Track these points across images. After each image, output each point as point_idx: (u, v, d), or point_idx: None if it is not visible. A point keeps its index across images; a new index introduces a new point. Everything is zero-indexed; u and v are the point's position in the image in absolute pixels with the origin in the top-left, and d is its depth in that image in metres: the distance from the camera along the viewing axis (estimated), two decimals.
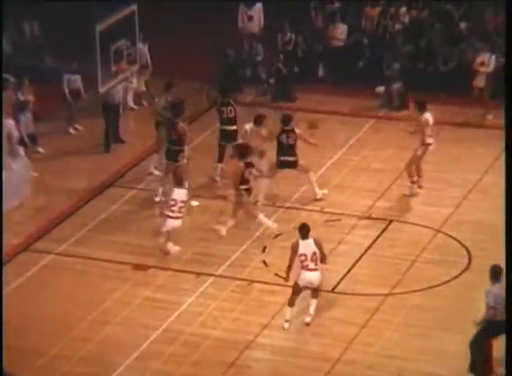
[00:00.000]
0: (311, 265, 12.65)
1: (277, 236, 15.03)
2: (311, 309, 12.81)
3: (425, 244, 14.74)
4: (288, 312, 12.81)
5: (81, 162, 17.49)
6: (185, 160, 15.46)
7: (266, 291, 13.64)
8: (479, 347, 11.45)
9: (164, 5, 21.55)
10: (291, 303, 12.82)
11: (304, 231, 12.79)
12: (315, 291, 12.86)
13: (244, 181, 14.62)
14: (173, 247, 14.44)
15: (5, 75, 15.92)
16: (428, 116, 15.94)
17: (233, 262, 14.34)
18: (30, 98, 17.70)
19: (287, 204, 16.01)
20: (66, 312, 13.22)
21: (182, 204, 14.22)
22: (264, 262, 14.39)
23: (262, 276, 13.99)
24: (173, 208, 14.15)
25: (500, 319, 11.09)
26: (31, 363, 12.13)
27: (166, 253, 14.40)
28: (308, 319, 12.78)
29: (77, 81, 18.44)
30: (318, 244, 12.80)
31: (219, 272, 14.11)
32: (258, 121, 16.17)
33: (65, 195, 16.24)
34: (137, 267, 14.24)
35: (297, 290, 12.79)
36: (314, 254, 12.68)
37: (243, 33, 21.13)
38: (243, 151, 14.84)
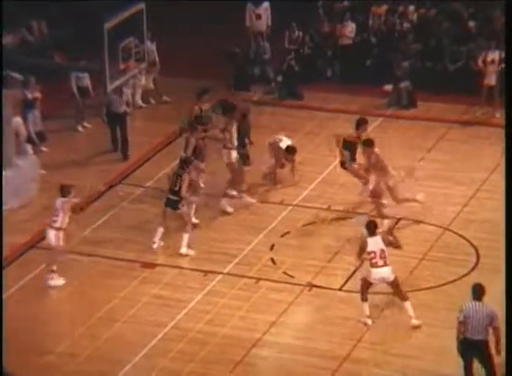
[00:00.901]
0: (380, 262, 12.56)
1: (285, 234, 15.02)
2: (410, 311, 12.60)
3: (433, 242, 14.70)
4: (366, 307, 12.70)
5: (89, 160, 17.47)
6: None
7: (274, 289, 13.61)
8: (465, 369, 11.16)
9: (172, 4, 21.55)
10: (365, 298, 12.74)
11: (371, 228, 12.65)
12: (399, 293, 12.66)
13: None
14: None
15: (12, 73, 15.92)
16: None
17: (241, 259, 14.33)
18: (38, 96, 17.71)
19: (295, 202, 15.99)
20: (73, 310, 13.23)
21: None
22: (272, 259, 14.37)
23: (270, 274, 13.97)
24: None
25: (470, 337, 10.87)
26: (38, 361, 12.13)
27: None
28: (414, 321, 12.55)
29: (85, 78, 18.44)
30: (385, 239, 12.74)
31: (227, 270, 14.09)
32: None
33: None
34: (145, 265, 14.23)
35: (366, 285, 12.67)
36: (382, 251, 12.59)
37: (250, 31, 21.11)
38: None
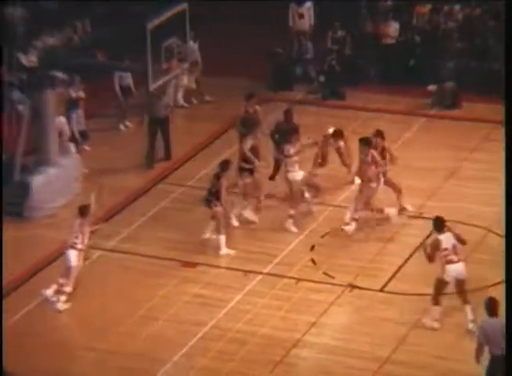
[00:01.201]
0: (455, 258, 12.48)
1: (325, 234, 14.96)
2: (470, 315, 12.48)
3: (476, 243, 14.52)
4: (436, 311, 12.60)
5: (131, 159, 17.55)
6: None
7: (314, 290, 13.57)
8: None
9: (215, 4, 21.59)
10: (437, 302, 12.62)
11: (439, 224, 12.51)
12: (463, 294, 12.55)
13: None
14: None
15: (55, 73, 16.08)
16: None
17: (281, 260, 14.30)
18: (82, 95, 17.85)
19: (336, 203, 15.91)
20: (114, 308, 13.31)
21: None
22: (312, 260, 14.32)
23: (310, 275, 13.93)
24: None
25: (496, 354, 10.69)
26: (81, 358, 12.23)
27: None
28: (470, 325, 12.43)
29: (127, 78, 18.54)
30: (454, 233, 12.62)
31: (267, 270, 14.08)
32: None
33: (114, 192, 16.34)
34: (185, 264, 14.27)
35: (441, 286, 12.57)
36: (454, 246, 12.52)
37: (293, 31, 21.07)
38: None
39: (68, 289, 13.30)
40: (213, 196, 14.34)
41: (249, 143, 15.38)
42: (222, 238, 14.36)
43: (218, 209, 14.35)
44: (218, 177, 14.37)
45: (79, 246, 13.41)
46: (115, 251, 14.62)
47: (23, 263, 14.27)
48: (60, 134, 16.65)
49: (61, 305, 13.25)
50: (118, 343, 12.55)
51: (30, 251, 14.68)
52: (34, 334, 12.72)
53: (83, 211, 13.53)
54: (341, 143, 16.40)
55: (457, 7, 20.82)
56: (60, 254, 14.54)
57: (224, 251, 14.37)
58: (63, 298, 13.26)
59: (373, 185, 14.82)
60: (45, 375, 12.00)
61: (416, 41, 20.69)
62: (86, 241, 13.49)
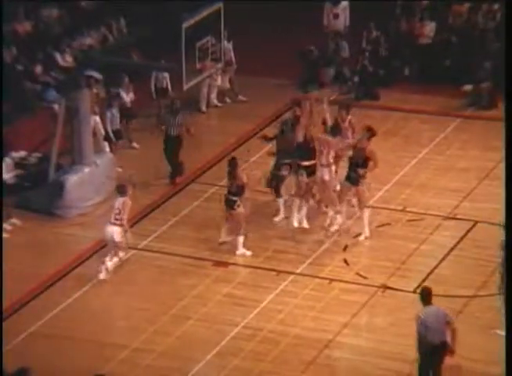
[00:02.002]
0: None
1: (358, 234, 14.89)
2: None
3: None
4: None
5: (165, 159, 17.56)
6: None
7: (347, 290, 13.52)
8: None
9: (250, 4, 21.59)
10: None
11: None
12: None
13: None
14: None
15: (90, 72, 16.19)
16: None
17: (314, 260, 14.26)
18: (132, 96, 17.90)
19: (369, 203, 15.82)
20: (147, 307, 13.35)
21: None
22: (345, 260, 14.26)
23: (343, 275, 13.88)
24: None
25: (432, 342, 10.87)
26: (114, 357, 12.27)
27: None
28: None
29: (165, 78, 18.52)
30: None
31: (300, 270, 14.05)
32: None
33: (148, 191, 16.40)
34: (217, 264, 14.28)
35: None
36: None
37: (327, 31, 21.00)
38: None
39: (115, 261, 13.88)
40: (234, 195, 14.28)
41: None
42: (241, 239, 14.31)
43: (240, 210, 14.29)
44: (233, 176, 14.29)
45: (120, 222, 13.81)
46: (147, 250, 14.66)
47: (56, 262, 14.36)
48: (94, 133, 16.75)
49: (104, 275, 13.79)
50: (150, 342, 12.59)
51: (63, 250, 14.78)
52: (66, 333, 12.80)
53: (121, 189, 14.03)
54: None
55: (496, 6, 20.60)
56: (93, 252, 14.65)
57: (241, 251, 14.32)
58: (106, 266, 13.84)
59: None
60: (77, 374, 12.06)
61: (453, 40, 20.52)
62: (126, 218, 13.91)
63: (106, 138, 17.26)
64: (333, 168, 14.72)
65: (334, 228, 14.66)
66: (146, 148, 17.97)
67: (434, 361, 11.10)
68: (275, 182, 15.28)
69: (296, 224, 14.79)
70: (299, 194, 14.81)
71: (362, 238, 14.64)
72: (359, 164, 14.43)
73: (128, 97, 17.94)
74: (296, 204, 14.80)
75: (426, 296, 11.20)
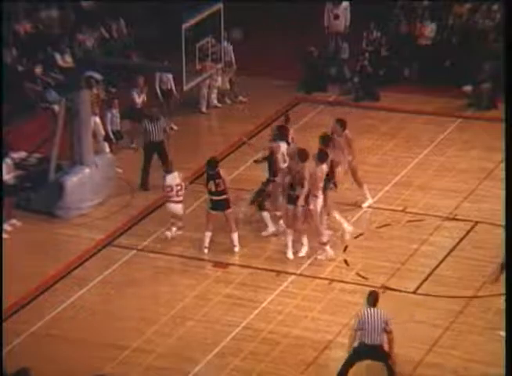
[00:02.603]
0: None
1: (359, 235, 14.89)
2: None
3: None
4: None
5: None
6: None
7: (347, 291, 13.51)
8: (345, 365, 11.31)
9: (250, 4, 21.58)
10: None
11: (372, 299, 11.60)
12: None
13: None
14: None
15: (90, 73, 16.19)
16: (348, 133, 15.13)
17: (314, 260, 14.25)
18: (143, 97, 17.83)
19: (369, 204, 15.82)
20: (147, 307, 13.35)
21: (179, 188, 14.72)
22: (345, 261, 14.26)
23: (343, 276, 13.87)
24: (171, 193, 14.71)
25: (367, 343, 11.09)
26: (114, 357, 12.26)
27: None
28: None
29: (168, 79, 18.46)
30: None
31: (300, 270, 14.04)
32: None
33: (147, 191, 16.40)
34: (217, 264, 14.27)
35: None
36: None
37: (328, 31, 21.00)
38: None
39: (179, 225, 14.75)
40: (219, 195, 14.22)
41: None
42: (236, 235, 14.36)
43: (230, 210, 14.28)
44: (215, 177, 14.20)
45: (178, 198, 14.65)
46: (147, 251, 14.65)
47: (56, 263, 14.36)
48: (94, 134, 16.75)
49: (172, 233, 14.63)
50: (150, 342, 12.58)
51: (63, 251, 14.78)
52: (66, 333, 12.80)
53: (168, 169, 14.88)
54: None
55: (496, 6, 20.60)
56: (93, 253, 14.65)
57: (238, 248, 14.35)
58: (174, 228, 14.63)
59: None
60: (77, 374, 12.06)
61: (453, 41, 20.52)
62: (181, 193, 14.73)
63: (106, 138, 17.25)
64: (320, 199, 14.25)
65: (323, 256, 14.26)
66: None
67: (350, 359, 11.31)
68: (260, 197, 14.98)
69: (291, 256, 14.31)
70: (287, 224, 14.34)
71: (347, 237, 14.54)
72: (296, 184, 14.02)
73: (140, 98, 17.91)
74: (289, 236, 14.23)
75: (372, 300, 11.41)
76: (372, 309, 11.25)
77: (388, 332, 11.20)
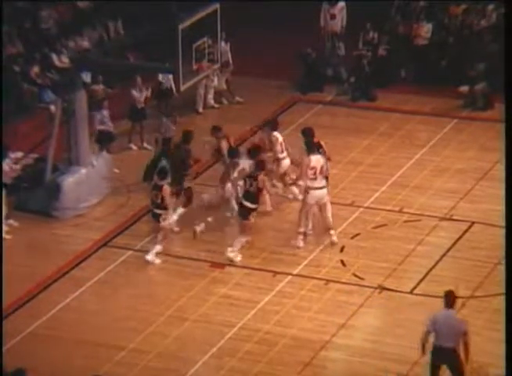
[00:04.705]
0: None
1: (355, 236, 14.90)
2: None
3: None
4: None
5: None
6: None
7: (343, 291, 13.52)
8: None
9: (246, 4, 21.58)
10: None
11: None
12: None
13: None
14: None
15: (83, 73, 16.18)
16: (277, 134, 15.43)
17: (311, 261, 14.26)
18: (147, 94, 17.78)
19: (366, 204, 15.85)
20: (143, 308, 13.35)
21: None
22: (342, 261, 14.27)
23: (340, 276, 13.88)
24: None
25: (440, 345, 10.91)
26: (110, 358, 12.26)
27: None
28: None
29: (169, 80, 18.42)
30: None
31: (296, 271, 14.05)
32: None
33: (144, 192, 16.38)
34: (214, 265, 14.27)
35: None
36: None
37: (324, 31, 21.01)
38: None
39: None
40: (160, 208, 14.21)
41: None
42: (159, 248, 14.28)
43: (165, 224, 14.21)
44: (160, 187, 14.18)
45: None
46: (144, 251, 14.64)
47: (53, 263, 14.35)
48: (102, 130, 16.83)
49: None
50: (147, 343, 12.58)
51: (60, 251, 14.77)
52: (63, 334, 12.80)
53: (253, 152, 14.60)
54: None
55: (491, 7, 20.62)
56: (90, 253, 14.65)
57: (149, 257, 14.20)
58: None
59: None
60: (74, 375, 12.06)
61: (449, 41, 20.54)
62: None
63: (98, 139, 17.18)
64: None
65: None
66: (144, 149, 17.96)
67: (432, 363, 11.11)
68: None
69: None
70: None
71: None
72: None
73: (141, 97, 17.88)
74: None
75: (449, 301, 11.17)
76: (448, 310, 10.99)
77: (464, 336, 10.91)
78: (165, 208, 14.11)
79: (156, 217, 14.22)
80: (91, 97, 17.46)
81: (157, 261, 14.23)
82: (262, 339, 12.57)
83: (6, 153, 15.73)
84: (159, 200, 14.09)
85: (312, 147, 14.59)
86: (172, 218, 14.61)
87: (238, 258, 14.15)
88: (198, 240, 14.73)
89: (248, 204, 14.05)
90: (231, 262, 14.10)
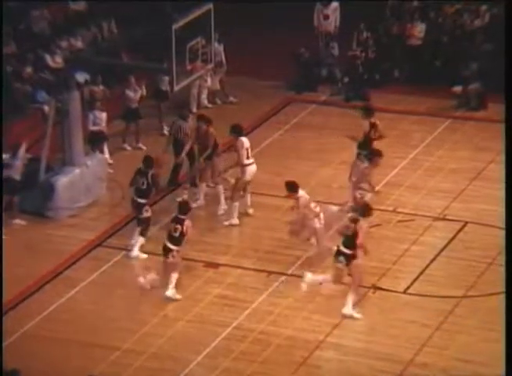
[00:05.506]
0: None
1: None
2: None
3: (502, 246, 14.40)
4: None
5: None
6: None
7: (337, 291, 13.50)
8: None
9: (240, 4, 21.59)
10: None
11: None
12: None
13: None
14: None
15: (80, 73, 16.16)
16: (244, 139, 15.25)
17: (305, 261, 14.26)
18: (141, 93, 17.74)
19: None
20: (138, 308, 13.34)
21: None
22: None
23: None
24: None
25: None
26: (104, 358, 12.25)
27: None
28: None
29: (164, 81, 18.38)
30: None
31: (291, 271, 14.05)
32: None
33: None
34: (208, 265, 14.27)
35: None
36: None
37: (318, 32, 21.02)
38: None
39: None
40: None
41: None
42: (142, 240, 14.31)
43: (146, 215, 14.22)
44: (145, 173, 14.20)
45: None
46: (138, 252, 14.61)
47: (47, 263, 14.34)
48: (100, 130, 16.82)
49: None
50: (141, 343, 12.58)
51: (54, 252, 14.74)
52: (57, 334, 12.79)
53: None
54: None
55: (484, 7, 20.65)
56: (84, 254, 14.63)
57: (135, 253, 14.26)
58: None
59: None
60: (68, 375, 12.05)
61: (443, 41, 20.57)
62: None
63: (90, 140, 17.15)
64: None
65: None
66: (138, 149, 17.96)
67: None
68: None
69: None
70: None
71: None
72: None
73: (136, 96, 17.86)
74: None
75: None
76: None
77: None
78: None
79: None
80: (91, 98, 17.51)
81: (143, 256, 14.13)
82: (256, 339, 12.58)
83: (17, 151, 15.61)
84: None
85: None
86: (135, 249, 14.33)
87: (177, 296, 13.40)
88: (192, 240, 14.75)
89: (171, 246, 13.29)
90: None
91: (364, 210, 13.05)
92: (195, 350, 12.37)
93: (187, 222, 13.22)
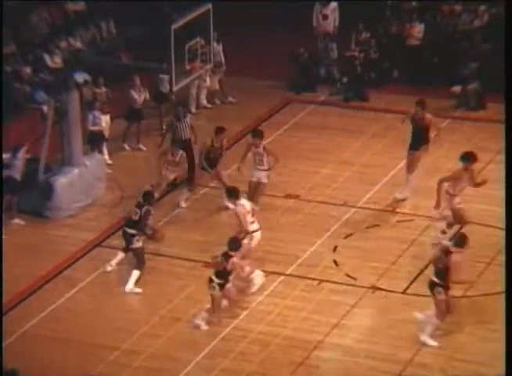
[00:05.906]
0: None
1: (348, 236, 14.92)
2: None
3: (501, 246, 14.41)
4: None
5: (155, 161, 17.53)
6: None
7: (336, 291, 13.54)
8: None
9: (238, 4, 21.61)
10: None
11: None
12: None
13: None
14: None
15: (79, 74, 16.16)
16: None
17: (303, 261, 14.28)
18: (145, 96, 17.79)
19: (359, 204, 15.87)
20: (137, 308, 13.35)
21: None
22: (334, 261, 14.29)
23: (332, 276, 13.90)
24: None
25: None
26: (103, 358, 12.26)
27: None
28: None
29: (164, 82, 18.41)
30: None
31: (289, 271, 14.06)
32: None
33: (138, 192, 16.37)
34: (207, 265, 14.26)
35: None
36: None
37: (317, 32, 21.04)
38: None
39: None
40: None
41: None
42: (137, 274, 13.74)
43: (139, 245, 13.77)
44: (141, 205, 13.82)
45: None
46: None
47: (47, 263, 14.34)
48: (102, 134, 16.83)
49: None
50: (140, 343, 12.58)
51: (53, 252, 14.75)
52: (56, 334, 12.79)
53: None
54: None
55: (483, 7, 20.67)
56: (83, 254, 14.64)
57: (129, 287, 13.68)
58: None
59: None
60: (68, 375, 12.05)
61: (442, 41, 20.58)
62: None
63: (90, 140, 17.16)
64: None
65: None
66: (138, 150, 17.96)
67: None
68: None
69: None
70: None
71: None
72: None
73: (140, 99, 17.87)
74: None
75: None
76: None
77: None
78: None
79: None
80: (94, 99, 17.52)
81: (136, 290, 13.60)
82: (255, 339, 12.58)
83: (18, 150, 15.61)
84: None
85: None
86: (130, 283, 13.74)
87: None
88: (193, 240, 14.77)
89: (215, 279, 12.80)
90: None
91: (460, 241, 11.89)
92: (193, 350, 12.37)
93: (235, 261, 12.62)
